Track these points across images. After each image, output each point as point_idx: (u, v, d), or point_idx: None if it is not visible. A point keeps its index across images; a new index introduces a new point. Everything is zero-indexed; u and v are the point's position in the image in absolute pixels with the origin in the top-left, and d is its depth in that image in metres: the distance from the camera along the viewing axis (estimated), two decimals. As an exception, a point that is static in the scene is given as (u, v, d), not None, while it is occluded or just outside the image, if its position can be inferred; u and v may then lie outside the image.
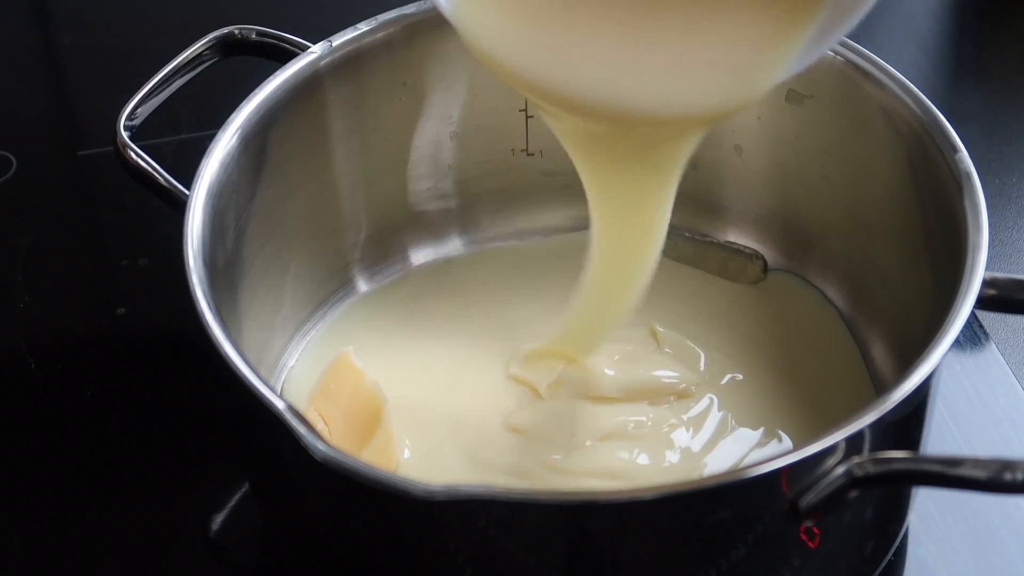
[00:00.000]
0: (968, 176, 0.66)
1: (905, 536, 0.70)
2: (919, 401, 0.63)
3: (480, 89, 0.78)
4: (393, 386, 0.71)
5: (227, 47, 0.76)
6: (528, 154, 0.80)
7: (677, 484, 0.58)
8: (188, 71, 0.75)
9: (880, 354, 0.74)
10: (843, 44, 0.73)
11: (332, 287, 0.78)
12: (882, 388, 0.73)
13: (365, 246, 0.79)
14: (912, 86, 0.71)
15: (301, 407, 0.69)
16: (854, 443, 0.59)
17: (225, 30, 0.76)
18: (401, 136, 0.78)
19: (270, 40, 0.76)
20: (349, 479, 0.57)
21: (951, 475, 0.58)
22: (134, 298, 0.83)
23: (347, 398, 0.71)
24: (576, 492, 0.62)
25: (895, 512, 0.67)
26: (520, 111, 0.79)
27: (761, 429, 0.71)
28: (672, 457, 0.70)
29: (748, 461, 0.70)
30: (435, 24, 0.74)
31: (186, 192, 0.68)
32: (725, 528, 0.59)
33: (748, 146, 0.78)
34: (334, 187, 0.77)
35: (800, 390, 0.73)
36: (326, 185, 0.76)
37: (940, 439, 0.74)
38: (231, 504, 0.73)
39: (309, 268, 0.77)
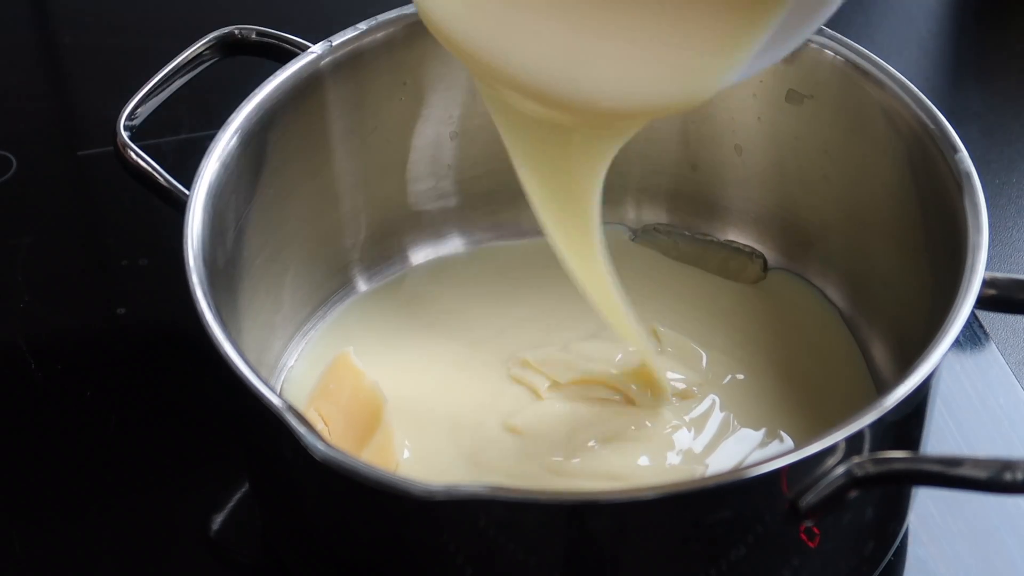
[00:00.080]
0: (968, 176, 0.66)
1: (905, 536, 0.70)
2: (919, 401, 0.63)
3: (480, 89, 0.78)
4: (393, 386, 0.71)
5: (227, 47, 0.76)
6: (528, 154, 0.80)
7: (677, 484, 0.58)
8: (188, 71, 0.75)
9: (880, 354, 0.74)
10: (843, 44, 0.73)
11: (332, 287, 0.78)
12: (882, 388, 0.73)
13: (365, 246, 0.79)
14: (912, 86, 0.71)
15: (301, 407, 0.69)
16: (854, 443, 0.59)
17: (225, 30, 0.76)
18: (401, 136, 0.78)
19: (270, 40, 0.76)
20: (349, 479, 0.57)
21: (951, 475, 0.58)
22: (134, 298, 0.83)
23: (347, 398, 0.71)
24: (576, 492, 0.62)
25: (895, 512, 0.67)
26: (520, 111, 0.79)
27: (763, 430, 0.71)
28: (673, 459, 0.70)
29: (749, 462, 0.70)
30: (435, 24, 0.75)
31: (186, 192, 0.68)
32: (725, 528, 0.59)
33: (748, 146, 0.78)
34: (334, 187, 0.77)
35: (802, 390, 0.73)
36: (326, 185, 0.76)
37: (940, 439, 0.74)
38: (231, 504, 0.73)
39: (309, 268, 0.77)
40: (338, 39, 0.74)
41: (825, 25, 0.63)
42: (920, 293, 0.69)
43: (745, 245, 0.80)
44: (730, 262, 0.79)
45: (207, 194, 0.67)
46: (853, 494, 0.59)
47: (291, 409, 0.59)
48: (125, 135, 0.72)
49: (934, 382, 0.63)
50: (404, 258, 0.80)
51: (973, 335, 0.79)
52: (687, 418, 0.71)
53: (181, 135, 0.91)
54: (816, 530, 0.61)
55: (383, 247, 0.80)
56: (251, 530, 0.72)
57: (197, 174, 0.68)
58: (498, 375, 0.74)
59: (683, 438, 0.70)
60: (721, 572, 0.60)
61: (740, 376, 0.74)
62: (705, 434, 0.71)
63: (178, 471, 0.75)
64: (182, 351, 0.79)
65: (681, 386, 0.73)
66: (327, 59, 0.74)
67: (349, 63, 0.74)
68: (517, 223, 0.81)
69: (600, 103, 0.62)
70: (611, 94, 0.62)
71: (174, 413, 0.77)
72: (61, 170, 0.91)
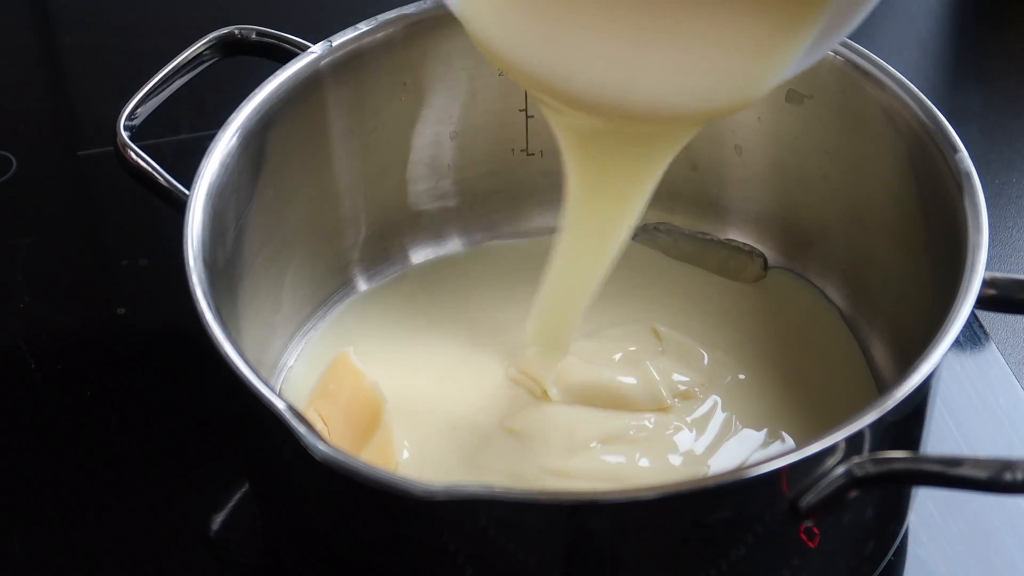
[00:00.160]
0: (968, 176, 0.66)
1: (905, 536, 0.70)
2: (919, 401, 0.63)
3: (480, 89, 0.78)
4: (392, 386, 0.71)
5: (227, 47, 0.76)
6: (528, 154, 0.80)
7: (677, 484, 0.58)
8: (188, 71, 0.75)
9: (880, 354, 0.74)
10: (843, 44, 0.73)
11: (332, 287, 0.78)
12: (883, 388, 0.73)
13: (365, 246, 0.79)
14: (912, 86, 0.71)
15: (301, 407, 0.69)
16: (854, 443, 0.59)
17: (225, 30, 0.76)
18: (401, 136, 0.78)
19: (270, 40, 0.76)
20: (349, 479, 0.57)
21: (951, 475, 0.58)
22: (134, 298, 0.83)
23: (347, 398, 0.71)
24: (576, 492, 0.62)
25: (895, 512, 0.67)
26: (520, 111, 0.79)
27: (765, 430, 0.71)
28: (675, 460, 0.69)
29: (750, 463, 0.70)
30: (435, 24, 0.75)
31: (186, 192, 0.68)
32: (725, 528, 0.59)
33: (748, 146, 0.78)
34: (334, 187, 0.77)
35: (803, 390, 0.73)
36: (326, 185, 0.76)
37: (940, 439, 0.74)
38: (231, 504, 0.73)
39: (309, 268, 0.77)
40: (338, 39, 0.74)
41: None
42: (920, 293, 0.69)
43: (745, 244, 0.80)
44: (730, 261, 0.79)
45: (207, 194, 0.67)
46: (853, 494, 0.59)
47: (291, 409, 0.59)
48: (125, 135, 0.72)
49: (934, 382, 0.63)
50: (404, 258, 0.80)
51: (973, 335, 0.79)
52: (689, 419, 0.71)
53: (181, 135, 0.91)
54: (816, 530, 0.61)
55: (383, 247, 0.80)
56: (251, 530, 0.72)
57: (197, 174, 0.68)
58: (498, 375, 0.74)
59: (685, 439, 0.70)
60: (721, 572, 0.60)
61: (741, 376, 0.74)
62: (707, 435, 0.71)
63: (178, 471, 0.75)
64: (182, 351, 0.79)
65: (683, 388, 0.73)
66: (327, 59, 0.74)
67: (349, 63, 0.74)
68: (517, 223, 0.81)
69: (653, 110, 0.62)
70: (663, 101, 0.62)
71: (174, 413, 0.77)
72: (61, 170, 0.91)
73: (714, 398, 0.72)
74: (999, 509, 0.71)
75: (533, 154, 0.80)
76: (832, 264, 0.77)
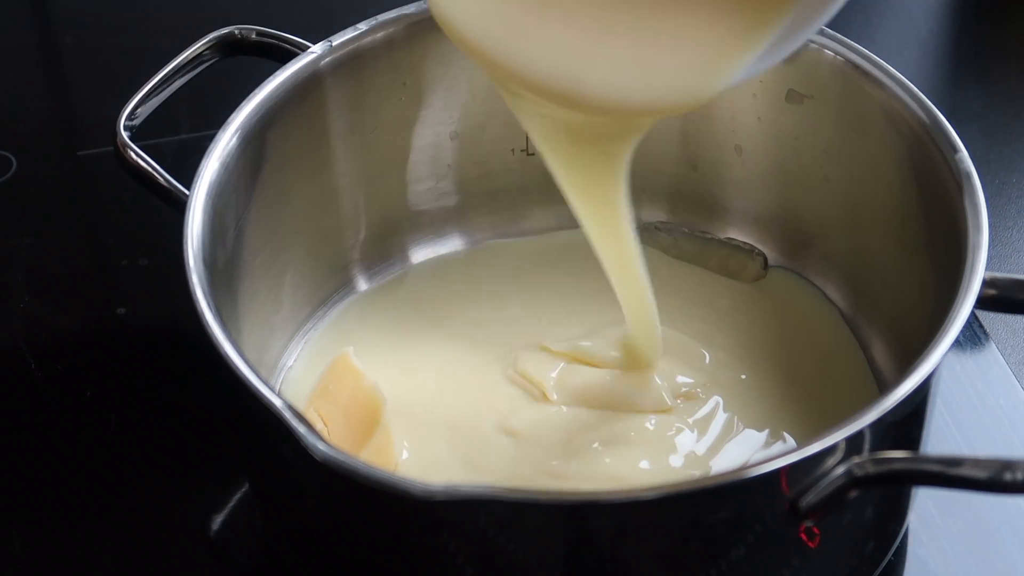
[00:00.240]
0: (968, 176, 0.66)
1: (905, 536, 0.70)
2: (919, 401, 0.63)
3: (480, 89, 0.78)
4: (392, 387, 0.71)
5: (227, 47, 0.76)
6: (528, 154, 0.80)
7: (677, 484, 0.58)
8: (188, 71, 0.75)
9: (880, 354, 0.74)
10: (843, 44, 0.73)
11: (332, 287, 0.78)
12: (882, 387, 0.73)
13: (365, 246, 0.79)
14: (912, 86, 0.71)
15: (300, 407, 0.69)
16: (854, 443, 0.59)
17: (225, 30, 0.76)
18: (401, 136, 0.78)
19: (270, 40, 0.76)
20: (349, 479, 0.57)
21: (951, 475, 0.58)
22: (134, 298, 0.83)
23: (346, 399, 0.71)
24: (576, 492, 0.62)
25: (895, 512, 0.67)
26: (520, 111, 0.79)
27: (766, 431, 0.71)
28: (676, 462, 0.69)
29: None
30: (435, 24, 0.74)
31: (186, 192, 0.68)
32: (725, 528, 0.59)
33: (748, 146, 0.78)
34: (334, 187, 0.77)
35: (804, 390, 0.73)
36: (326, 185, 0.76)
37: (940, 439, 0.74)
38: (231, 504, 0.73)
39: (309, 268, 0.77)
40: (338, 39, 0.74)
41: (825, 25, 0.63)
42: (920, 293, 0.69)
43: (745, 243, 0.80)
44: (730, 260, 0.79)
45: (207, 194, 0.67)
46: (853, 494, 0.59)
47: (291, 409, 0.59)
48: (125, 135, 0.72)
49: (934, 382, 0.63)
50: (404, 258, 0.80)
51: (973, 335, 0.78)
52: (690, 420, 0.71)
53: (181, 135, 0.91)
54: (816, 530, 0.61)
55: (383, 247, 0.80)
56: (251, 530, 0.72)
57: (197, 174, 0.68)
58: (498, 376, 0.74)
59: (686, 441, 0.70)
60: (721, 572, 0.60)
61: (743, 376, 0.74)
62: (708, 436, 0.71)
63: (178, 471, 0.75)
64: (182, 351, 0.79)
65: (684, 389, 0.73)
66: (327, 59, 0.74)
67: (349, 63, 0.74)
68: (517, 222, 0.81)
69: (606, 102, 0.63)
70: (617, 93, 0.62)
71: (174, 413, 0.77)
72: (61, 170, 0.91)
73: (716, 399, 0.72)
74: (999, 509, 0.71)
75: (533, 154, 0.80)
76: (832, 264, 0.77)
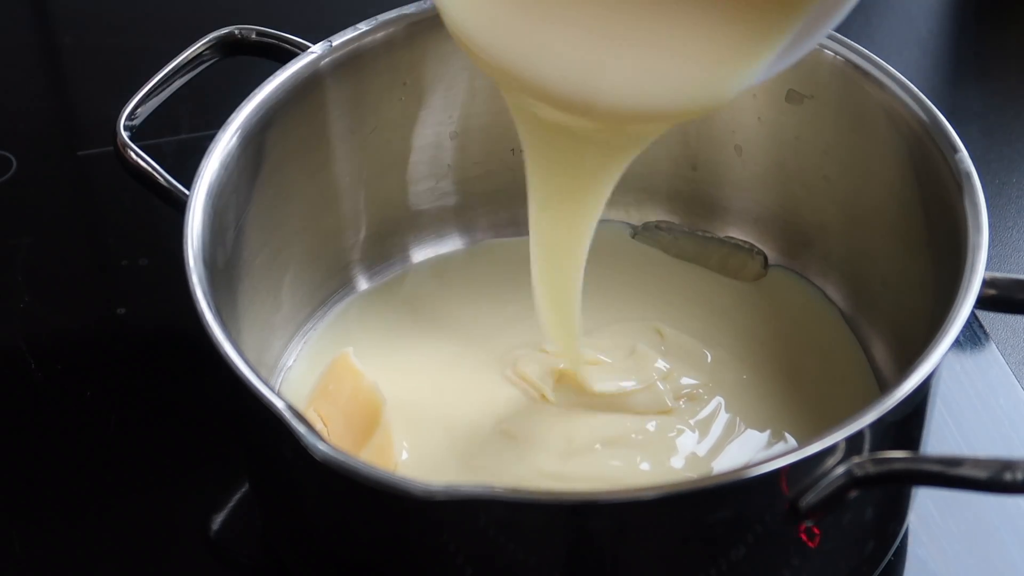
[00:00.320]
0: (968, 176, 0.66)
1: (905, 536, 0.70)
2: (919, 401, 0.63)
3: (480, 89, 0.78)
4: (392, 387, 0.71)
5: (227, 47, 0.76)
6: (528, 154, 0.80)
7: (677, 484, 0.58)
8: (188, 71, 0.75)
9: (880, 354, 0.74)
10: (843, 44, 0.73)
11: (332, 287, 0.78)
12: (883, 387, 0.73)
13: (365, 246, 0.79)
14: (912, 86, 0.71)
15: (300, 407, 0.69)
16: (854, 443, 0.59)
17: (225, 30, 0.76)
18: (401, 136, 0.78)
19: (270, 40, 0.76)
20: (349, 479, 0.57)
21: (951, 475, 0.58)
22: (134, 298, 0.83)
23: (346, 399, 0.71)
24: (576, 492, 0.62)
25: (895, 512, 0.67)
26: (520, 111, 0.79)
27: (768, 431, 0.71)
28: (676, 463, 0.69)
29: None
30: (435, 24, 0.74)
31: (186, 192, 0.68)
32: (725, 528, 0.59)
33: (748, 146, 0.78)
34: (334, 187, 0.77)
35: (805, 390, 0.73)
36: (326, 185, 0.76)
37: (940, 439, 0.74)
38: (231, 504, 0.73)
39: (309, 268, 0.77)
40: (338, 39, 0.74)
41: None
42: (920, 293, 0.69)
43: (745, 241, 0.80)
44: (730, 259, 0.79)
45: (207, 194, 0.67)
46: (853, 494, 0.59)
47: (291, 409, 0.59)
48: (125, 135, 0.72)
49: (934, 382, 0.63)
50: (404, 258, 0.80)
51: (973, 335, 0.78)
52: (692, 421, 0.71)
53: (181, 135, 0.91)
54: (816, 530, 0.61)
55: (383, 247, 0.80)
56: (251, 530, 0.72)
57: (197, 174, 0.68)
58: (497, 376, 0.74)
59: (687, 442, 0.70)
60: (721, 572, 0.60)
61: (744, 376, 0.74)
62: (710, 437, 0.71)
63: (178, 471, 0.75)
64: (182, 351, 0.79)
65: (687, 390, 0.72)
66: (327, 59, 0.74)
67: (349, 63, 0.74)
68: (517, 222, 0.81)
69: (619, 109, 0.62)
70: (630, 100, 0.62)
71: (174, 413, 0.77)
72: (61, 170, 0.91)
73: (718, 399, 0.72)
74: (999, 509, 0.71)
75: (533, 154, 0.80)
76: (832, 264, 0.77)
